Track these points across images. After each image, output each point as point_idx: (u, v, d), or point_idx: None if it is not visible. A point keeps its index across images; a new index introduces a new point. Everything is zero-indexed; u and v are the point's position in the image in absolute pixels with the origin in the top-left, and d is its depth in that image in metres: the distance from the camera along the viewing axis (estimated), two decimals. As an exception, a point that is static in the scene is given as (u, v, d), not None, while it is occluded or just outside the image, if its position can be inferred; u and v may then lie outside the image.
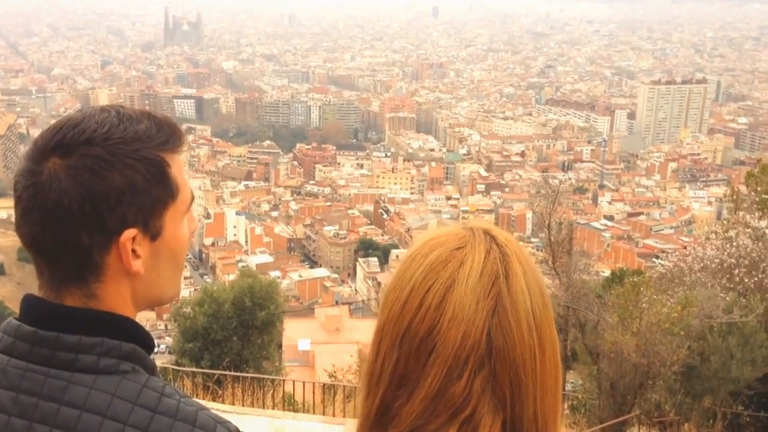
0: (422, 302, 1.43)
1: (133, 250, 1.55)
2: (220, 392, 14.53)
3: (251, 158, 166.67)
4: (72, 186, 1.47)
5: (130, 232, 1.53)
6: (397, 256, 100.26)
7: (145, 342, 1.60)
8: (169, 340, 43.09)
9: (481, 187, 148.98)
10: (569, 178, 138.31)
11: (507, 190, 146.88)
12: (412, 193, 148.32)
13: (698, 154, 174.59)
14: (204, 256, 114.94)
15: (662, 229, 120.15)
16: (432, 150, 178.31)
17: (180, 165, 1.62)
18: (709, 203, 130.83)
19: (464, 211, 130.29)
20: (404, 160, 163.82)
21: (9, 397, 1.50)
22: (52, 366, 1.49)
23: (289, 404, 14.97)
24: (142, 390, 1.50)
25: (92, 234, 1.50)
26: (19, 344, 1.52)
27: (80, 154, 1.49)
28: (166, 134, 1.59)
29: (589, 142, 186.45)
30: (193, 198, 1.69)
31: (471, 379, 1.40)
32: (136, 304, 1.63)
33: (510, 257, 1.46)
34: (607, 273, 31.89)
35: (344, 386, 16.13)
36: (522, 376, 1.42)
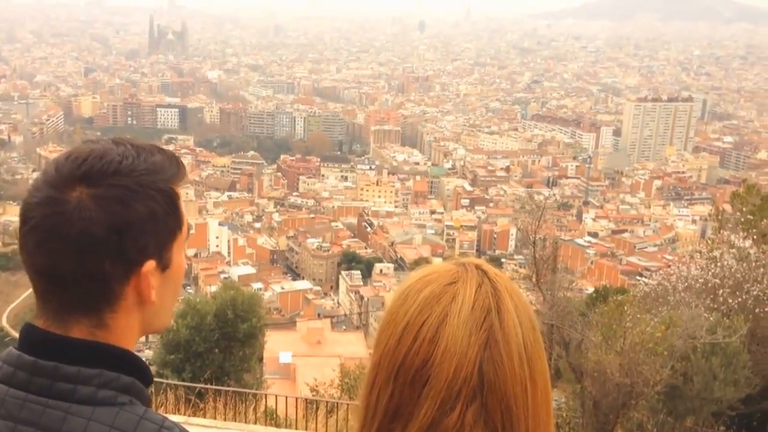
0: (417, 336, 1.45)
1: None
2: (201, 405, 14.41)
3: (235, 169, 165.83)
4: (100, 215, 1.48)
5: (150, 263, 1.55)
6: (380, 271, 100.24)
7: (144, 375, 1.60)
8: (149, 352, 42.91)
9: (465, 202, 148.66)
10: (554, 194, 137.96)
11: (491, 205, 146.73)
12: (396, 207, 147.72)
13: (683, 172, 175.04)
14: (186, 266, 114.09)
15: (646, 247, 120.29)
16: (417, 163, 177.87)
17: (181, 197, 1.65)
18: (693, 221, 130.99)
19: (448, 226, 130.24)
20: (389, 173, 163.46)
21: (7, 427, 1.49)
22: (51, 396, 1.49)
23: (271, 419, 14.86)
24: (140, 422, 1.50)
25: (115, 264, 1.51)
26: (18, 374, 1.51)
27: (108, 184, 1.50)
28: (175, 167, 1.62)
29: (574, 158, 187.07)
30: (189, 229, 1.71)
31: (463, 411, 1.41)
32: (139, 334, 1.65)
33: (501, 291, 1.48)
34: (590, 290, 31.94)
35: (326, 402, 16.02)
36: (513, 408, 1.43)
